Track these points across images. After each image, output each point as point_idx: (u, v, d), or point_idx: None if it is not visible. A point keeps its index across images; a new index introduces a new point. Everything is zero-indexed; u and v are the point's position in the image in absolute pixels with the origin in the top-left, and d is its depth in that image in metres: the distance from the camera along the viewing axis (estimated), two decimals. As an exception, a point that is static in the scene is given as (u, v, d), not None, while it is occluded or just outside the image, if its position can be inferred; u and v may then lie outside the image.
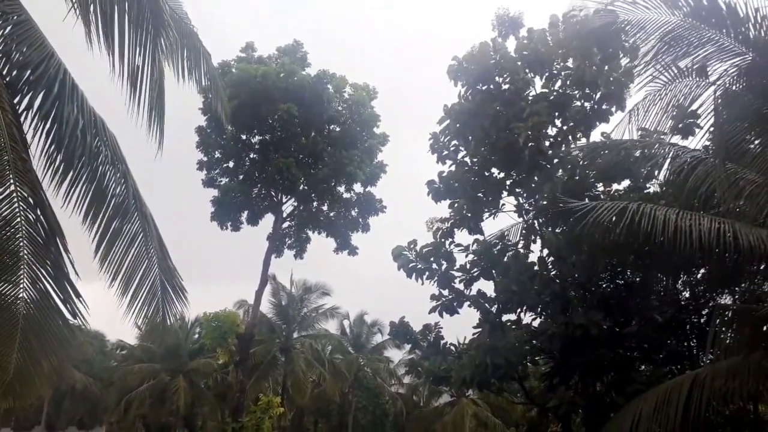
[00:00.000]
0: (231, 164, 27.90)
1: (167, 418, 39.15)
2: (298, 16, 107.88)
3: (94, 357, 46.92)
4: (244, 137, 27.37)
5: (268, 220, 28.40)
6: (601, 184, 13.75)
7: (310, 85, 25.43)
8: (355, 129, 26.88)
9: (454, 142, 15.31)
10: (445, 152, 15.35)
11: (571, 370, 13.16)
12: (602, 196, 13.28)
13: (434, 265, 14.75)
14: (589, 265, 12.59)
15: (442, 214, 15.50)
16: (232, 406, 26.69)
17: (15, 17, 6.40)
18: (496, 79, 14.59)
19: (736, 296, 11.64)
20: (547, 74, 14.64)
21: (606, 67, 13.67)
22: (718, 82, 8.53)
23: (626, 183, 13.61)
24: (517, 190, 15.11)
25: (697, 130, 11.36)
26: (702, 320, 13.07)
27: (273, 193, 28.30)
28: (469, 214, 15.04)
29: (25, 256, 6.19)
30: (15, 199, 6.05)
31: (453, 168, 15.29)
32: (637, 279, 13.19)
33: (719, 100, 8.56)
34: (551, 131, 14.51)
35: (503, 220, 15.76)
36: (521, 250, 14.61)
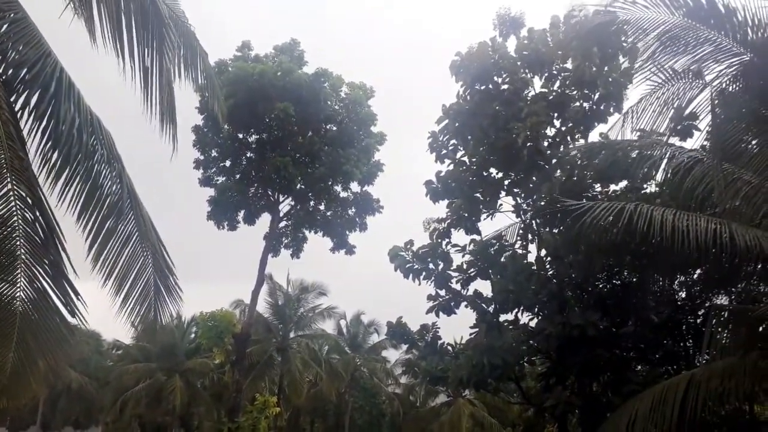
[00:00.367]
0: (228, 163, 27.86)
1: (163, 418, 39.08)
2: (298, 16, 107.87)
3: (90, 356, 46.81)
4: (240, 136, 27.35)
5: (265, 219, 28.39)
6: (598, 184, 13.76)
7: (307, 83, 25.39)
8: (352, 128, 26.86)
9: (453, 141, 15.31)
10: (444, 152, 15.35)
11: (568, 370, 13.17)
12: (600, 197, 13.29)
13: (431, 266, 14.74)
14: (586, 265, 12.61)
15: (440, 214, 15.53)
16: (229, 406, 26.65)
17: (12, 15, 6.37)
18: (495, 78, 14.59)
19: (733, 297, 11.66)
20: (546, 74, 14.64)
21: (605, 68, 13.69)
22: (715, 83, 8.55)
23: (624, 183, 13.63)
24: (515, 190, 15.12)
25: (695, 132, 11.43)
26: (698, 320, 13.10)
27: (270, 193, 28.27)
28: (467, 214, 15.04)
29: (22, 255, 6.18)
30: (12, 198, 6.03)
31: (451, 167, 15.29)
32: (634, 279, 13.21)
33: (716, 101, 8.58)
34: (550, 131, 14.51)
35: (501, 220, 15.77)
36: (518, 250, 14.62)
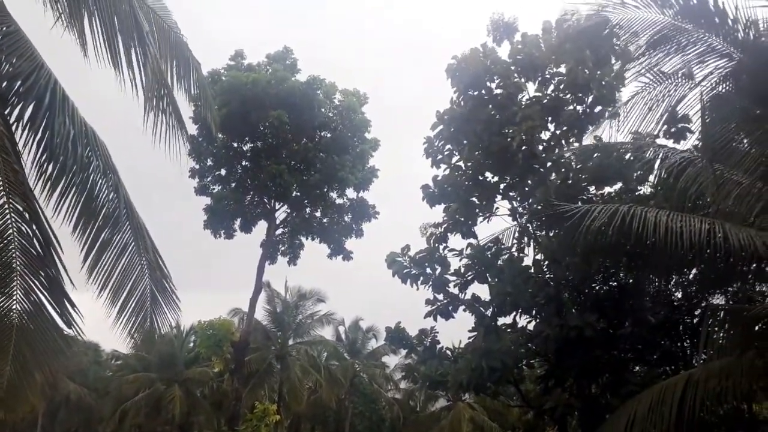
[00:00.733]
0: (223, 172, 27.91)
1: (163, 428, 38.91)
2: (297, 16, 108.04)
3: (89, 367, 46.59)
4: (235, 145, 27.38)
5: (262, 227, 28.42)
6: (593, 187, 13.82)
7: (300, 91, 25.47)
8: (346, 134, 26.93)
9: (448, 146, 15.36)
10: (439, 157, 15.41)
11: (567, 372, 13.20)
12: (595, 199, 13.34)
13: (428, 270, 14.77)
14: (583, 267, 12.64)
15: (437, 219, 15.56)
16: (228, 414, 26.63)
17: (4, 28, 6.39)
18: (488, 84, 14.65)
19: (729, 296, 11.70)
20: (540, 79, 14.71)
21: (598, 72, 13.76)
22: (705, 83, 8.60)
23: (618, 186, 13.69)
24: (511, 193, 15.16)
25: (688, 134, 11.49)
26: (695, 321, 13.13)
27: (266, 200, 28.30)
28: (463, 218, 15.08)
29: (19, 268, 6.18)
30: (7, 211, 6.04)
31: (447, 172, 15.35)
32: (630, 280, 13.25)
33: (707, 101, 8.63)
34: (544, 135, 14.57)
35: (497, 223, 15.81)
36: (515, 254, 14.66)
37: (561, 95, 14.42)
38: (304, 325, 38.88)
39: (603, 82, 13.67)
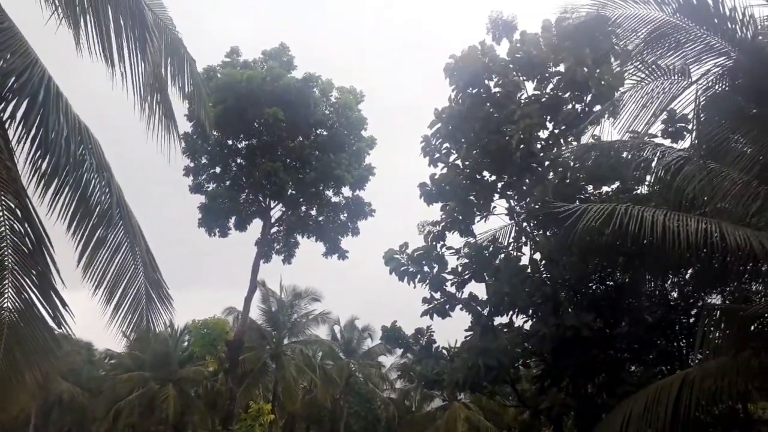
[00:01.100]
0: (218, 170, 27.82)
1: (157, 427, 38.77)
2: (297, 15, 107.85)
3: (82, 366, 46.41)
4: (230, 142, 27.29)
5: (256, 225, 28.33)
6: (591, 186, 13.81)
7: (296, 88, 25.38)
8: (343, 132, 26.87)
9: (446, 145, 15.35)
10: (437, 155, 15.39)
11: (563, 371, 13.19)
12: (592, 198, 13.33)
13: (426, 268, 14.75)
14: (580, 267, 12.63)
15: (434, 217, 15.54)
16: (223, 414, 26.54)
17: (-2, 24, 6.32)
18: (486, 82, 14.63)
19: (725, 296, 11.70)
20: (538, 77, 14.69)
21: (597, 71, 13.74)
22: (701, 81, 8.58)
23: (616, 185, 13.68)
24: (509, 192, 15.14)
25: (686, 134, 11.49)
26: (691, 320, 13.14)
27: (261, 198, 28.20)
28: (461, 217, 15.05)
29: (10, 265, 6.11)
30: (-1, 208, 5.98)
31: (445, 171, 15.32)
32: (627, 280, 13.25)
33: (703, 100, 8.61)
34: (543, 134, 14.56)
35: (495, 223, 15.81)
36: (512, 253, 14.64)
37: (560, 94, 14.41)
38: (299, 324, 38.81)
39: (602, 82, 13.65)
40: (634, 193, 13.22)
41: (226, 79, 25.22)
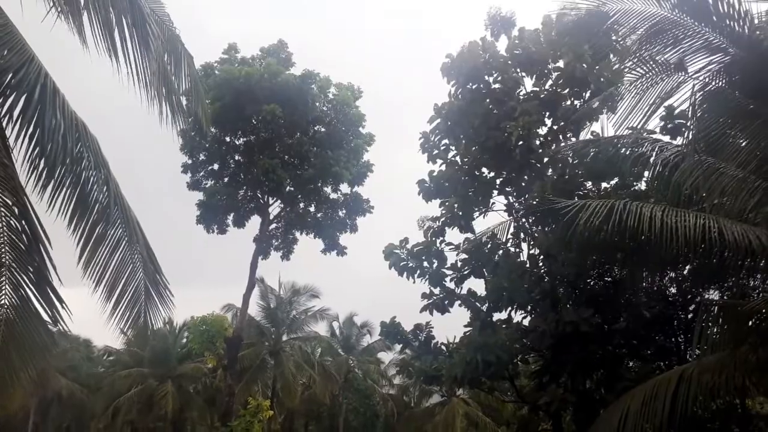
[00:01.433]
0: (216, 166, 27.76)
1: (156, 424, 38.83)
2: (297, 14, 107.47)
3: (81, 363, 46.41)
4: (228, 139, 27.23)
5: (255, 222, 28.30)
6: (590, 182, 13.81)
7: (294, 85, 25.33)
8: (341, 129, 26.82)
9: (445, 141, 15.35)
10: (436, 152, 15.39)
11: (561, 367, 13.21)
12: (591, 195, 13.33)
13: (425, 264, 14.78)
14: (578, 262, 12.63)
15: (433, 213, 15.55)
16: (222, 410, 26.55)
17: (-6, 20, 6.29)
18: (486, 78, 14.61)
19: (723, 291, 11.72)
20: (537, 73, 14.67)
21: (597, 67, 13.73)
22: (699, 76, 8.59)
23: (615, 181, 13.68)
24: (508, 189, 15.16)
25: (685, 131, 11.47)
26: (689, 316, 13.17)
27: (259, 195, 28.17)
28: (460, 213, 15.06)
29: (7, 262, 6.10)
30: (-4, 205, 5.96)
31: (443, 167, 15.31)
32: (625, 276, 13.25)
33: (701, 96, 8.62)
34: (542, 130, 14.55)
35: (493, 219, 15.83)
36: (511, 249, 14.65)
37: (559, 90, 14.39)
38: (298, 320, 38.84)
39: (602, 79, 13.64)
40: (633, 189, 13.22)
41: (224, 76, 25.17)
